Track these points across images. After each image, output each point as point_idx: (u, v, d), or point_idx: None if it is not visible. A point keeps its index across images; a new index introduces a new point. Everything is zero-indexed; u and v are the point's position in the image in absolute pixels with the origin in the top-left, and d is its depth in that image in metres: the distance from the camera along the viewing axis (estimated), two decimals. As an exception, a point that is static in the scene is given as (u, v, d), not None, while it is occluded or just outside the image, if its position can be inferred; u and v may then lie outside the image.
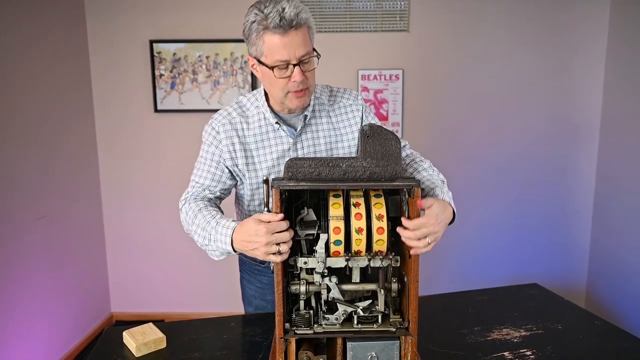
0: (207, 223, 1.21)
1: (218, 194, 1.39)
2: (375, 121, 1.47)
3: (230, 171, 1.37)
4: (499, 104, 2.95)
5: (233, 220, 1.17)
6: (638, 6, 2.61)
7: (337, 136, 1.39)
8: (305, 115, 1.32)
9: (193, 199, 1.36)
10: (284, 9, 1.13)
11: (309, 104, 1.33)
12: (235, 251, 1.15)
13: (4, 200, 2.21)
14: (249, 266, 1.56)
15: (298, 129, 1.33)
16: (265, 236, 1.00)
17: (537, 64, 2.90)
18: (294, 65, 1.18)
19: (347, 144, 1.40)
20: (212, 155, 1.39)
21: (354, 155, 1.40)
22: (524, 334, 1.31)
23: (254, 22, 1.18)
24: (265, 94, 1.33)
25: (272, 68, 1.18)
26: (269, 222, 1.01)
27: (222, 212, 1.34)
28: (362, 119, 1.42)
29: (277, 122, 1.31)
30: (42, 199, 2.48)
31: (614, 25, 2.81)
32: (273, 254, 1.00)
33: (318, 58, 1.24)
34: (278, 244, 1.00)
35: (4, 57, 2.22)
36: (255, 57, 1.23)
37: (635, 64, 2.63)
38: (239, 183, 1.41)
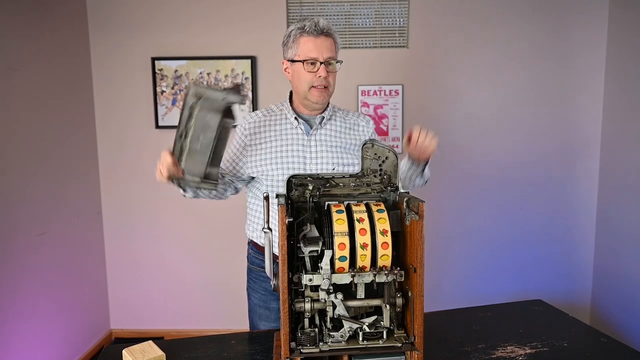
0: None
1: (231, 176, 1.61)
2: None
3: (241, 166, 1.58)
4: (498, 119, 2.97)
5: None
6: (636, 15, 2.64)
7: (346, 146, 1.57)
8: (322, 117, 1.56)
9: None
10: (318, 21, 1.48)
11: (327, 109, 1.58)
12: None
13: (5, 217, 2.20)
14: (255, 274, 1.67)
15: (313, 127, 1.55)
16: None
17: (536, 78, 2.93)
18: (321, 63, 1.46)
19: (352, 156, 1.57)
20: (235, 142, 1.60)
21: (357, 165, 1.57)
22: (529, 352, 1.29)
23: (293, 30, 1.51)
24: (290, 100, 1.60)
25: (303, 62, 1.47)
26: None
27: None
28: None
29: (296, 118, 1.55)
30: (43, 216, 2.47)
31: (612, 36, 2.84)
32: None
33: (340, 63, 1.53)
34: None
35: (6, 74, 2.24)
36: (289, 60, 1.52)
37: (634, 75, 2.65)
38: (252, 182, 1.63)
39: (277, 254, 1.02)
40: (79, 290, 2.79)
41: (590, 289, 3.05)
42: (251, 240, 1.70)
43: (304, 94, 1.51)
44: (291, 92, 1.61)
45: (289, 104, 1.58)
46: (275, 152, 1.53)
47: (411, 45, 2.92)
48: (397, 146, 2.94)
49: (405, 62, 2.93)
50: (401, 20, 2.92)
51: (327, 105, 1.59)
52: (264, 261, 1.56)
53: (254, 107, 2.93)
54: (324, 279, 1.01)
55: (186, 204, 3.05)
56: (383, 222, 1.04)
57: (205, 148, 1.33)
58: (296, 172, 1.49)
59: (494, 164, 3.00)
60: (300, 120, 1.55)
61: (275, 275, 1.06)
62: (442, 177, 3.00)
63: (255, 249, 1.67)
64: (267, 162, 1.53)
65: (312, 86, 1.48)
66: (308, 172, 1.51)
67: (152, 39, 2.92)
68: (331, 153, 1.54)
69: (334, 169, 1.51)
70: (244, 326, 1.78)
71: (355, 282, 1.02)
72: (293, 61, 1.50)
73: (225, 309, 3.07)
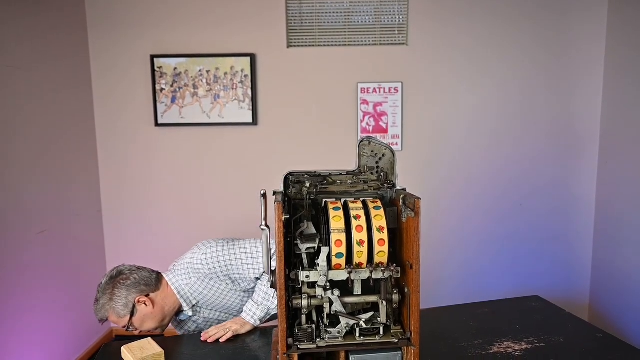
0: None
1: None
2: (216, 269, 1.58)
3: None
4: (498, 116, 2.97)
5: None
6: (636, 10, 2.64)
7: (219, 297, 1.59)
8: (188, 315, 1.60)
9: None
10: (95, 313, 1.48)
11: (183, 305, 1.57)
12: None
13: (4, 215, 2.21)
14: None
15: (188, 317, 1.62)
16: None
17: (535, 74, 2.93)
18: (127, 329, 1.49)
19: (245, 279, 1.57)
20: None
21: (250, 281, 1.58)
22: (526, 347, 1.30)
23: None
24: None
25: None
26: None
27: None
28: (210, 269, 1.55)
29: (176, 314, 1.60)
30: (43, 213, 2.48)
31: (611, 32, 2.84)
32: None
33: (133, 315, 1.49)
34: None
35: (6, 72, 2.24)
36: None
37: (634, 72, 2.65)
38: None
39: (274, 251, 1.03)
40: (79, 288, 2.80)
41: (588, 286, 3.06)
42: None
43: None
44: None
45: None
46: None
47: (410, 42, 2.92)
48: (396, 143, 2.95)
49: (405, 60, 2.93)
50: (401, 17, 2.92)
51: (178, 306, 1.57)
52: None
53: (253, 105, 2.93)
54: (320, 275, 1.02)
55: (186, 203, 3.06)
56: (380, 219, 1.04)
57: None
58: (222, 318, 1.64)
59: (493, 160, 3.00)
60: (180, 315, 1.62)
61: (273, 272, 1.07)
62: (440, 174, 3.01)
63: None
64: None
65: None
66: None
67: (151, 36, 2.92)
68: (219, 313, 1.63)
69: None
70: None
71: (352, 278, 1.02)
72: None
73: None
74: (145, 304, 1.48)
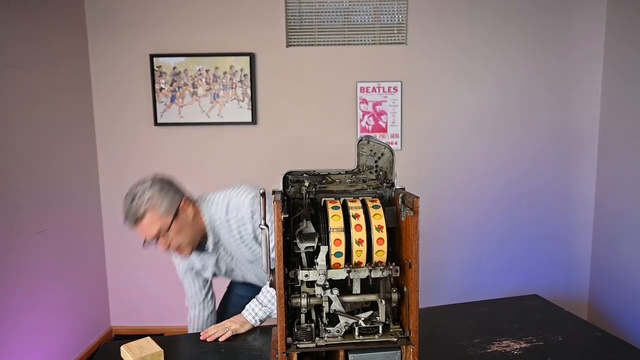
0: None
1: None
2: (255, 219, 1.52)
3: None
4: (497, 116, 2.97)
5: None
6: (635, 9, 2.64)
7: (240, 245, 1.54)
8: (212, 245, 1.55)
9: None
10: (128, 212, 1.38)
11: (208, 240, 1.53)
12: None
13: (4, 214, 2.21)
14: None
15: (210, 252, 1.57)
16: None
17: (535, 74, 2.93)
18: (155, 240, 1.43)
19: (249, 245, 1.55)
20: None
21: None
22: (525, 346, 1.30)
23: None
24: None
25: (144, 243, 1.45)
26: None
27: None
28: (251, 213, 1.50)
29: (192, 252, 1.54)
30: (43, 213, 2.48)
31: (610, 30, 2.84)
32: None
33: (174, 222, 1.42)
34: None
35: (5, 71, 2.24)
36: None
37: (632, 70, 2.65)
38: None
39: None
40: (78, 287, 2.80)
41: (587, 285, 3.06)
42: None
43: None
44: None
45: None
46: (198, 278, 1.73)
47: (410, 42, 2.92)
48: (396, 143, 2.95)
49: (404, 59, 2.93)
50: (400, 17, 2.92)
51: (205, 235, 1.52)
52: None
53: (253, 104, 2.93)
54: (320, 274, 1.02)
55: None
56: (378, 218, 1.04)
57: None
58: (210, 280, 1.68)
59: (492, 159, 3.00)
60: (196, 255, 1.61)
61: (272, 271, 1.07)
62: (439, 173, 3.01)
63: None
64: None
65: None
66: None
67: (150, 35, 2.92)
68: (235, 261, 1.61)
69: None
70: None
71: (351, 277, 1.02)
72: None
73: (225, 305, 3.09)
74: (189, 210, 1.42)
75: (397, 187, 1.13)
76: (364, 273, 1.03)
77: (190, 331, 1.68)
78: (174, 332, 2.69)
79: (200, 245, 1.53)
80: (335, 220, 1.03)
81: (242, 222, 1.49)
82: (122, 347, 1.28)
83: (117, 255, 3.10)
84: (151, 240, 1.42)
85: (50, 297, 2.53)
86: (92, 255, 2.98)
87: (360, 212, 1.05)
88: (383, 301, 1.04)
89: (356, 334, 1.02)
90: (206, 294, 1.73)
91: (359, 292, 1.06)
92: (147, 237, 1.41)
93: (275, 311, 1.47)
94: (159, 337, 1.36)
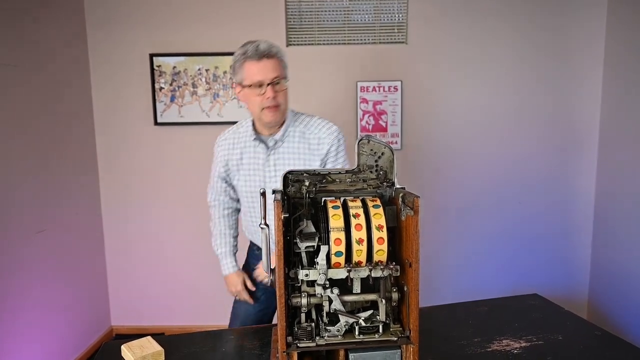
0: (222, 248, 1.82)
1: (228, 198, 1.80)
2: (340, 159, 1.65)
3: (225, 180, 1.75)
4: (497, 115, 2.97)
5: (232, 268, 1.80)
6: (635, 10, 2.64)
7: (305, 161, 1.61)
8: (275, 140, 1.60)
9: (217, 206, 1.82)
10: (259, 45, 1.51)
11: (282, 127, 1.61)
12: None
13: (3, 214, 2.21)
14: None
15: (269, 147, 1.61)
16: (232, 289, 1.82)
17: (535, 73, 2.94)
18: (268, 85, 1.50)
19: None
20: (215, 171, 1.76)
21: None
22: (524, 345, 1.31)
23: (238, 55, 1.55)
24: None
25: (250, 86, 1.52)
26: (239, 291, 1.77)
27: (237, 210, 1.84)
28: (327, 151, 1.62)
29: (255, 139, 1.62)
30: (42, 213, 2.48)
31: (610, 31, 2.84)
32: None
33: (287, 80, 1.56)
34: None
35: (3, 70, 2.24)
36: (239, 84, 1.57)
37: (632, 72, 2.65)
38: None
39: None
40: (78, 286, 2.80)
41: (587, 283, 3.06)
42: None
43: (257, 116, 1.57)
44: None
45: (250, 122, 1.65)
46: (241, 172, 1.66)
47: (410, 41, 2.92)
48: (396, 142, 2.95)
49: (404, 58, 2.93)
50: (400, 16, 2.92)
51: (284, 122, 1.62)
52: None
53: (253, 104, 2.93)
54: (320, 274, 1.02)
55: (186, 201, 3.06)
56: (379, 218, 1.04)
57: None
58: (257, 189, 1.64)
59: (492, 159, 3.00)
60: (258, 141, 1.62)
61: (272, 270, 1.07)
62: (440, 172, 3.01)
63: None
64: (237, 180, 1.69)
65: (264, 107, 1.53)
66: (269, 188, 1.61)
67: (150, 35, 2.92)
68: (290, 167, 1.59)
69: None
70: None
71: (351, 277, 1.03)
72: (242, 86, 1.56)
73: (227, 304, 3.08)
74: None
75: (398, 186, 1.13)
76: (364, 272, 1.03)
77: (216, 251, 1.82)
78: (175, 332, 2.69)
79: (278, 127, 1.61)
80: (335, 219, 1.03)
81: (319, 144, 1.60)
82: (122, 347, 1.28)
83: (118, 255, 3.11)
84: (266, 82, 1.50)
85: (51, 296, 2.53)
86: (92, 254, 2.98)
87: (361, 211, 1.05)
88: (383, 300, 1.04)
89: (356, 333, 1.02)
90: (228, 199, 1.80)
91: (359, 291, 1.06)
92: (265, 77, 1.50)
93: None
94: (159, 337, 1.36)
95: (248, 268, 1.86)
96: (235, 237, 1.85)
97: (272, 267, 1.06)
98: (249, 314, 1.81)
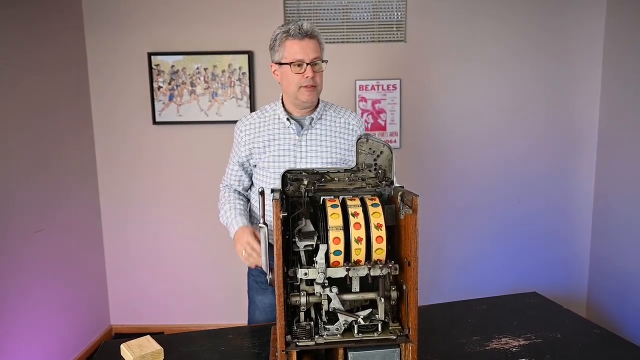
0: (228, 217, 1.67)
1: (241, 188, 1.77)
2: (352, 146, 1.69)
3: (247, 168, 1.71)
4: (496, 113, 2.97)
5: (242, 223, 1.62)
6: (634, 9, 2.64)
7: (336, 145, 1.63)
8: (312, 117, 1.61)
9: (228, 188, 1.78)
10: (302, 24, 1.53)
11: (317, 108, 1.63)
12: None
13: (2, 214, 2.20)
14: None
15: (304, 127, 1.61)
16: (241, 243, 1.53)
17: (534, 71, 2.93)
18: (307, 64, 1.51)
19: (342, 154, 1.64)
20: (236, 155, 1.71)
21: (345, 163, 1.65)
22: (523, 343, 1.31)
23: (278, 34, 1.56)
24: (282, 101, 1.65)
25: (290, 64, 1.52)
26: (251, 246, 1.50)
27: (247, 200, 1.77)
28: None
29: (287, 119, 1.60)
30: (41, 212, 2.47)
31: (609, 30, 2.84)
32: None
33: (325, 63, 1.57)
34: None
35: (2, 70, 2.24)
36: (277, 62, 1.58)
37: (632, 71, 2.66)
38: (253, 173, 1.72)
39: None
40: (78, 286, 2.80)
41: (586, 282, 3.07)
42: None
43: (293, 95, 1.57)
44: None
45: (281, 104, 1.64)
46: (269, 154, 1.62)
47: (409, 39, 2.92)
48: (395, 141, 2.95)
49: (403, 57, 2.93)
50: (399, 14, 2.91)
51: (317, 104, 1.65)
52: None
53: (251, 102, 2.93)
54: (319, 272, 1.02)
55: (185, 200, 3.06)
56: (377, 216, 1.04)
57: None
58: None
59: (492, 157, 3.00)
60: (291, 120, 1.61)
61: (271, 269, 1.07)
62: (439, 171, 3.01)
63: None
64: (264, 163, 1.63)
65: (301, 86, 1.54)
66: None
67: (148, 34, 2.91)
68: (320, 152, 1.61)
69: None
70: (244, 321, 1.80)
71: (350, 275, 1.03)
72: (281, 64, 1.56)
73: (226, 303, 3.09)
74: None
75: (396, 185, 1.13)
76: (363, 271, 1.03)
77: (225, 221, 1.69)
78: (175, 331, 2.69)
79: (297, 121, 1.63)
80: (334, 218, 1.03)
81: (349, 130, 1.65)
82: (121, 346, 1.28)
83: (117, 254, 3.10)
84: (306, 61, 1.51)
85: (50, 296, 2.53)
86: (91, 254, 2.98)
87: (360, 210, 1.05)
88: (382, 299, 1.04)
89: (355, 332, 1.02)
90: (240, 187, 1.76)
91: (358, 290, 1.06)
92: (306, 56, 1.51)
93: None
94: (159, 336, 1.36)
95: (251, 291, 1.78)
96: (246, 208, 1.74)
97: (271, 265, 1.06)
98: (264, 306, 1.71)
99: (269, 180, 1.63)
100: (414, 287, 1.00)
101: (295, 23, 1.53)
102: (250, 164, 1.68)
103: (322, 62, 1.56)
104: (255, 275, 1.76)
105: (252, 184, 1.77)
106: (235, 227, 1.60)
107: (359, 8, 2.92)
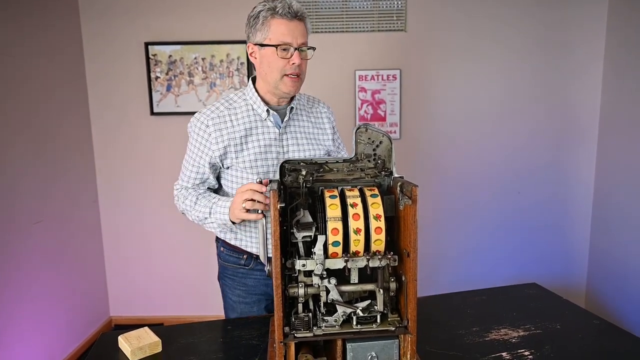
0: (209, 201, 1.39)
1: (203, 189, 1.50)
2: (337, 136, 1.64)
3: (214, 168, 1.45)
4: (496, 105, 2.95)
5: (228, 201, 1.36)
6: (635, 6, 2.61)
7: (316, 135, 1.52)
8: (292, 107, 1.46)
9: (184, 193, 1.50)
10: (291, 3, 1.33)
11: (294, 98, 1.48)
12: (232, 222, 1.34)
13: (0, 205, 2.20)
14: (231, 271, 1.57)
15: (284, 120, 1.45)
16: (242, 194, 1.23)
17: (534, 64, 2.91)
18: (295, 49, 1.33)
19: (323, 145, 1.53)
20: (199, 152, 1.44)
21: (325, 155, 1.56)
22: (523, 334, 1.31)
23: (262, 11, 1.36)
24: (255, 89, 1.45)
25: (276, 47, 1.32)
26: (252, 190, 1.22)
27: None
28: (333, 129, 1.58)
29: (267, 110, 1.42)
30: (39, 204, 2.46)
31: (611, 27, 2.82)
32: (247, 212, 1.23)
33: (313, 50, 1.39)
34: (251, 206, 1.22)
35: (-2, 61, 2.21)
36: (257, 43, 1.36)
37: (632, 65, 2.63)
38: (222, 175, 1.48)
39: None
40: (77, 278, 2.80)
41: (585, 273, 3.07)
42: (219, 238, 1.58)
43: (274, 83, 1.37)
44: (254, 79, 1.47)
45: (255, 92, 1.43)
46: (248, 152, 1.40)
47: (409, 29, 2.89)
48: (394, 132, 2.93)
49: (403, 46, 2.90)
50: (399, 3, 2.88)
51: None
52: (239, 258, 1.53)
53: (250, 93, 2.91)
54: (317, 264, 1.01)
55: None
56: (376, 207, 1.03)
57: None
58: (270, 168, 1.42)
59: (492, 149, 2.99)
60: (271, 112, 1.42)
61: (269, 260, 1.06)
62: (438, 162, 2.99)
63: (227, 247, 1.55)
64: (241, 164, 1.40)
65: (285, 74, 1.35)
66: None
67: (145, 23, 2.88)
68: (303, 146, 1.46)
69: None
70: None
71: (349, 267, 1.02)
72: (263, 45, 1.35)
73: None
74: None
75: (396, 175, 1.12)
76: (361, 262, 1.02)
77: (203, 215, 1.42)
78: (174, 322, 2.69)
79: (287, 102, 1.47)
80: (332, 209, 1.02)
81: (322, 120, 1.55)
82: (119, 337, 1.27)
83: (116, 245, 3.10)
84: (293, 46, 1.33)
85: (49, 288, 2.53)
86: (90, 245, 2.97)
87: (358, 201, 1.04)
88: (381, 290, 1.03)
89: (354, 323, 1.02)
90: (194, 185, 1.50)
91: (356, 281, 1.05)
92: (294, 39, 1.33)
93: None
94: (158, 327, 1.35)
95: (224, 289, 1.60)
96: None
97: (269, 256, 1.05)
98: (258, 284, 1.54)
99: (246, 183, 1.37)
100: (413, 278, 0.99)
101: (282, 2, 1.33)
102: (223, 165, 1.43)
103: (309, 49, 1.37)
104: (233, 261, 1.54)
105: (218, 188, 1.52)
106: (226, 204, 1.34)
107: (359, -3, 2.88)
